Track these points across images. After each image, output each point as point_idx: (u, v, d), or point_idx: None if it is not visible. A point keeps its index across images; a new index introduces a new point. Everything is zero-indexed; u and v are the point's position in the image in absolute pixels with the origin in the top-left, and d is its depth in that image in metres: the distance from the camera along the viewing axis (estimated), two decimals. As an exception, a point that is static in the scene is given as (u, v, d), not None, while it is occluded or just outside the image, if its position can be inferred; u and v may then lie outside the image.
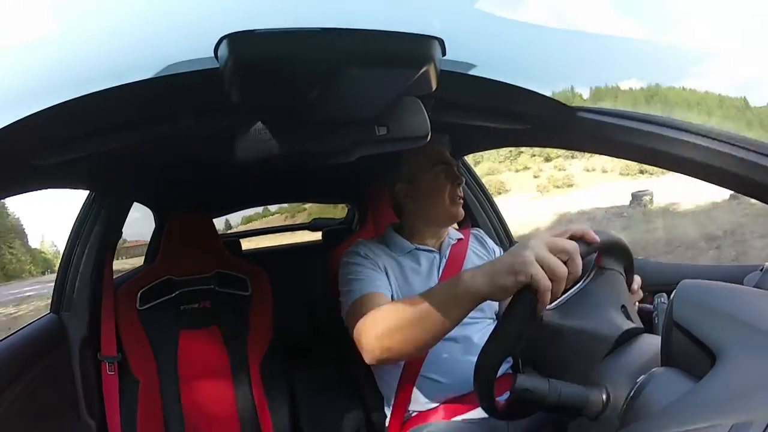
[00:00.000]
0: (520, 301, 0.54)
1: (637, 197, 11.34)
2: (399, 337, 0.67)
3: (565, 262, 0.53)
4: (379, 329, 0.69)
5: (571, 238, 0.56)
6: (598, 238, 0.57)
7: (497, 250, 1.10)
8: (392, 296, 0.88)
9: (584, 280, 0.62)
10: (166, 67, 0.59)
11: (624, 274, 0.65)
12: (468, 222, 1.44)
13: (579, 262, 0.53)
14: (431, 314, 0.62)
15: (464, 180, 0.98)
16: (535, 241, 0.54)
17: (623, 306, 0.61)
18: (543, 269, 0.52)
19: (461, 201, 0.98)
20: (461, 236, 1.06)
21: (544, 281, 0.52)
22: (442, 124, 0.76)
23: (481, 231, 1.14)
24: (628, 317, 0.61)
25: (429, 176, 0.96)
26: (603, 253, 0.63)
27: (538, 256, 0.53)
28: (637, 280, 0.71)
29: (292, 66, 0.52)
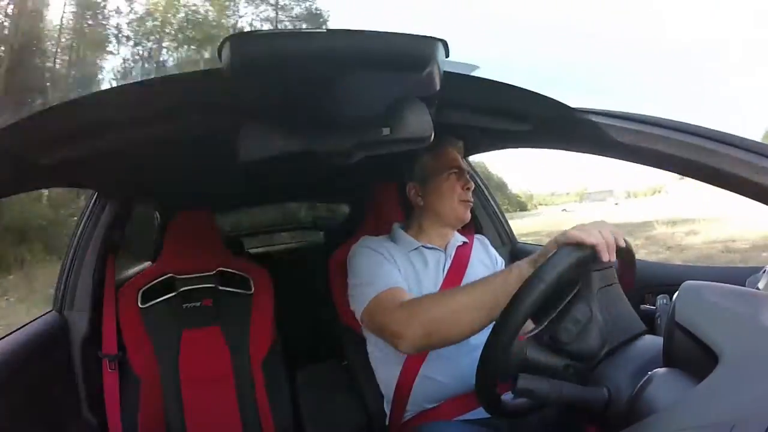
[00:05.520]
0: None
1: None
2: (448, 324, 0.73)
3: None
4: (427, 317, 0.74)
5: None
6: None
7: (499, 259, 1.11)
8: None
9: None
10: (168, 67, 0.59)
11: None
12: (472, 227, 1.45)
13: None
14: (484, 302, 0.69)
15: (473, 186, 1.01)
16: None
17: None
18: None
19: (470, 204, 1.01)
20: (466, 240, 1.07)
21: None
22: (444, 125, 0.76)
23: (485, 238, 1.15)
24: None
25: (441, 177, 1.00)
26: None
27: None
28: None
29: (296, 67, 0.52)
